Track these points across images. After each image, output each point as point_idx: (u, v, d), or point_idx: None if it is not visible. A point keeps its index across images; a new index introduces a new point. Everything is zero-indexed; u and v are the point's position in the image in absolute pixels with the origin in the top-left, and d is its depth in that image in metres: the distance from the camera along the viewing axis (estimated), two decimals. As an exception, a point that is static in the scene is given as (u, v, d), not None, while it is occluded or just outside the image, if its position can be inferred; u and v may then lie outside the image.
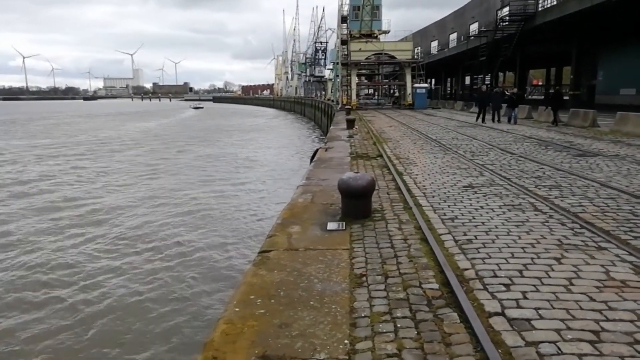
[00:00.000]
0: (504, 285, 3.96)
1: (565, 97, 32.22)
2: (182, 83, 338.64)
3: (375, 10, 46.32)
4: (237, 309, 3.68)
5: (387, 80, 55.53)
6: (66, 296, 9.55)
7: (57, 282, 10.24)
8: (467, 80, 62.14)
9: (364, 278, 4.23)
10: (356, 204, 6.10)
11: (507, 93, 25.68)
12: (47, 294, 9.68)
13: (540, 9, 33.76)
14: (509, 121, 22.38)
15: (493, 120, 23.13)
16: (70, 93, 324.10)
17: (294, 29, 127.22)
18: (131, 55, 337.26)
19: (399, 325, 3.35)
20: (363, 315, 3.53)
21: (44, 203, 17.36)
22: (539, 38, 34.64)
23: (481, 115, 23.65)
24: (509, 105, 22.82)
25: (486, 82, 46.54)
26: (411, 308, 3.62)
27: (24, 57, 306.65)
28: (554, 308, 3.53)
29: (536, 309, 3.51)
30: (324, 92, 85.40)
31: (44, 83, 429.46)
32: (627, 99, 29.78)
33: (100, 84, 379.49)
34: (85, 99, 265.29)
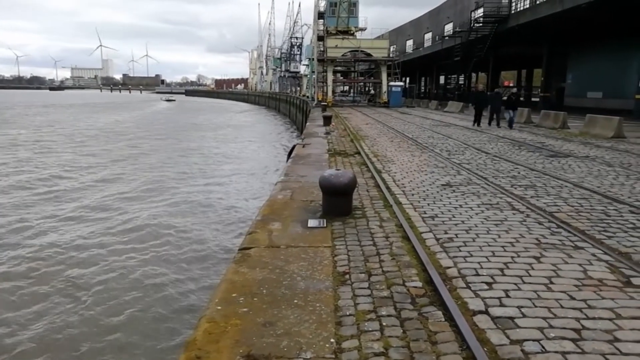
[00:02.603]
0: (486, 283, 3.99)
1: (536, 99, 33.15)
2: (153, 75, 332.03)
3: (352, 7, 46.42)
4: (219, 307, 3.59)
5: (362, 78, 55.77)
6: (41, 291, 9.20)
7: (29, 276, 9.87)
8: (442, 79, 63.03)
9: (347, 276, 4.20)
10: (337, 201, 6.07)
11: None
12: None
13: (513, 12, 34.48)
14: (510, 125, 20.18)
15: (490, 123, 21.09)
16: (35, 82, 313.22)
17: (270, 24, 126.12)
18: (100, 45, 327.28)
19: (384, 324, 3.33)
20: (348, 313, 3.49)
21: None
22: (511, 40, 35.38)
23: (478, 119, 21.30)
24: (508, 107, 20.66)
25: (460, 81, 47.21)
26: (396, 306, 3.61)
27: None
28: (536, 306, 3.57)
29: (519, 307, 3.55)
30: (299, 88, 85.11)
31: (8, 72, 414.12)
32: (593, 102, 30.72)
33: (67, 73, 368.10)
34: (51, 89, 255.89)
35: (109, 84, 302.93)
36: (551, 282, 4.02)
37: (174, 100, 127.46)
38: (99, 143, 33.40)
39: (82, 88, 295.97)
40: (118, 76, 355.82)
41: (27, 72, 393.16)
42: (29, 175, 20.54)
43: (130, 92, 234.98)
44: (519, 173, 9.36)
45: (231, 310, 3.53)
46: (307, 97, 55.07)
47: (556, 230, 5.49)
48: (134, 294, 9.23)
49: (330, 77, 44.57)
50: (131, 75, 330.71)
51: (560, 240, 5.14)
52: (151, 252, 11.52)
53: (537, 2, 32.11)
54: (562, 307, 3.57)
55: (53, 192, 17.55)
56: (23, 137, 35.59)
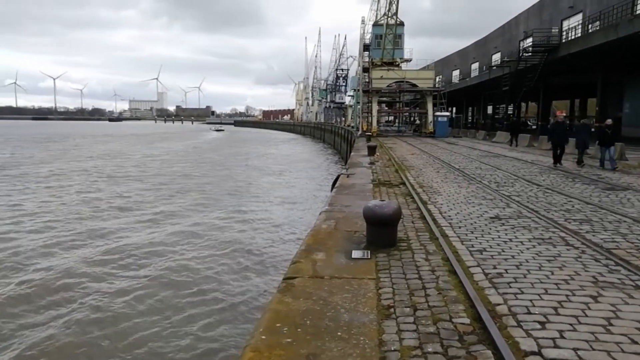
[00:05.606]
0: (539, 322, 3.81)
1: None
2: (204, 106, 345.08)
3: (397, 39, 46.75)
4: (263, 337, 3.62)
5: (407, 108, 55.70)
6: (81, 321, 9.57)
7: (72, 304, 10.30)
8: (489, 109, 61.93)
9: (392, 309, 4.14)
10: (382, 232, 6.03)
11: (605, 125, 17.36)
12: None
13: (564, 41, 33.67)
14: (602, 164, 16.19)
15: (579, 163, 16.82)
16: (96, 114, 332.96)
17: (316, 56, 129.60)
18: (156, 78, 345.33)
19: (430, 361, 3.25)
20: (393, 348, 3.43)
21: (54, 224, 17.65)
22: (562, 69, 34.43)
23: (558, 155, 16.78)
24: (602, 142, 16.34)
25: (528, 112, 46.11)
26: (442, 343, 3.51)
27: (54, 79, 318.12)
28: (593, 349, 3.37)
29: (575, 349, 3.37)
30: (343, 118, 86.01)
31: (72, 104, 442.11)
32: (654, 133, 29.20)
33: (125, 105, 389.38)
34: (110, 120, 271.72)
35: (163, 115, 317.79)
36: (610, 324, 3.79)
37: (223, 130, 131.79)
38: (153, 170, 34.87)
39: (139, 119, 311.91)
40: (172, 108, 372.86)
41: (89, 104, 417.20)
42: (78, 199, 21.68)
43: (182, 122, 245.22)
44: (572, 207, 8.96)
45: (275, 341, 3.55)
46: (352, 127, 55.48)
47: (614, 268, 5.19)
48: (179, 318, 9.42)
49: (375, 107, 44.78)
50: (184, 106, 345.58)
51: (619, 278, 4.86)
52: (197, 277, 11.77)
53: (590, 31, 31.29)
54: (623, 351, 3.35)
55: (110, 214, 18.40)
56: (86, 165, 37.76)
